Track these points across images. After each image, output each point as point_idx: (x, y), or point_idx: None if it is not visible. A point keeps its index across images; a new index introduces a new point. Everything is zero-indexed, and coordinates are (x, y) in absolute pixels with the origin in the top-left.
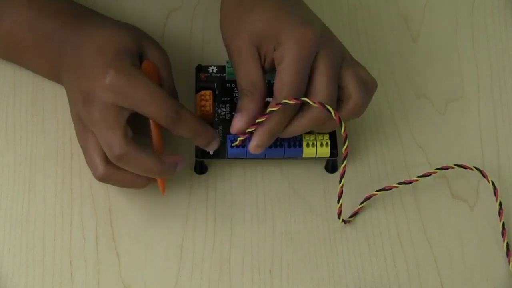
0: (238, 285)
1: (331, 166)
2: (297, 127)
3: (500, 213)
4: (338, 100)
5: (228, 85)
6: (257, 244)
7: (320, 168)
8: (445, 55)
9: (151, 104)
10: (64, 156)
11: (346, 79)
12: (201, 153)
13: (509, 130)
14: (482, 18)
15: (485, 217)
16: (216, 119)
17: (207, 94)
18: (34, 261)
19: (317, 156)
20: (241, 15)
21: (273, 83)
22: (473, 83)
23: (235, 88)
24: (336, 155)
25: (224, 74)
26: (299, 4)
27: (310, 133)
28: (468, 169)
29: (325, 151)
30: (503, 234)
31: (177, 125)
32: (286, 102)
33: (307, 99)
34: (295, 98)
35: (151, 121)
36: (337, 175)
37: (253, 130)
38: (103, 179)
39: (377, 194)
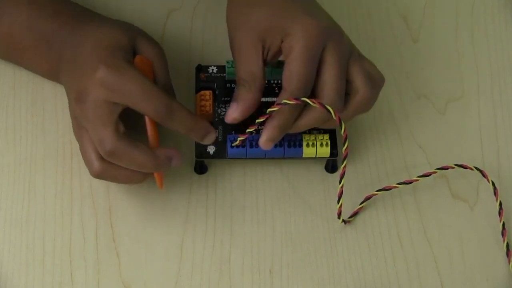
0: (238, 285)
1: (331, 166)
2: (307, 120)
3: (500, 213)
4: (346, 94)
5: (228, 85)
6: (257, 244)
7: (320, 168)
8: (445, 55)
9: (142, 99)
10: (64, 156)
11: (354, 74)
12: (201, 153)
13: (509, 130)
14: (482, 18)
15: (485, 217)
16: (216, 119)
17: (207, 94)
18: (34, 261)
19: (317, 156)
20: (248, 8)
21: (272, 83)
22: (473, 83)
23: (235, 88)
24: (336, 155)
25: (224, 74)
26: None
27: (310, 133)
28: (468, 169)
29: (325, 151)
30: (503, 234)
31: (169, 120)
32: (286, 102)
33: (307, 99)
34: (295, 98)
35: (145, 116)
36: (337, 175)
37: (253, 130)
38: (99, 175)
39: (377, 194)
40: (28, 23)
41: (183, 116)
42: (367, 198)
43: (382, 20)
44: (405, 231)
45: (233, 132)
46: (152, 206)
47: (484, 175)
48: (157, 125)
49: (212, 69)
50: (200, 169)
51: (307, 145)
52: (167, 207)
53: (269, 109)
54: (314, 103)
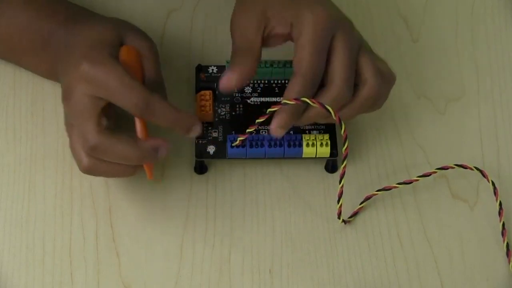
0: (238, 285)
1: (331, 166)
2: (315, 112)
3: (500, 213)
4: (355, 85)
5: None
6: (257, 244)
7: (320, 168)
8: (445, 55)
9: (120, 93)
10: (64, 156)
11: (363, 65)
12: (201, 153)
13: (509, 130)
14: (482, 18)
15: (485, 217)
16: (216, 119)
17: (207, 94)
18: (34, 261)
19: (317, 156)
20: None
21: (272, 83)
22: (473, 83)
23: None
24: (336, 155)
25: None
26: None
27: (310, 133)
28: (468, 169)
29: (325, 151)
30: (503, 234)
31: (150, 114)
32: (286, 102)
33: (307, 99)
34: (295, 99)
35: None
36: (337, 175)
37: (253, 130)
38: (87, 171)
39: (377, 194)
40: (26, 24)
41: (164, 110)
42: (367, 198)
43: (382, 20)
44: (405, 231)
45: (233, 132)
46: (152, 206)
47: (484, 175)
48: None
49: (212, 69)
50: (200, 169)
51: (307, 145)
52: (167, 207)
53: (269, 109)
54: (314, 103)
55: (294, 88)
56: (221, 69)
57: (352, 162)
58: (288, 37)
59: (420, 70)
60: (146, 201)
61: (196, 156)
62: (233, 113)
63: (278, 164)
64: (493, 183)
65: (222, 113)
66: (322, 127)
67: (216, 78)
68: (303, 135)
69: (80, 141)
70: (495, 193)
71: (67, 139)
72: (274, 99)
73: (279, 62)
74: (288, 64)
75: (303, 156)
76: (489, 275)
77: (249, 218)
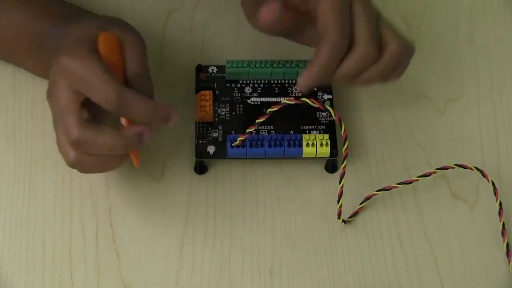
0: (238, 285)
1: (331, 166)
2: (345, 68)
3: (500, 213)
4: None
5: (228, 85)
6: (257, 244)
7: (320, 168)
8: (445, 55)
9: (92, 87)
10: None
11: (384, 30)
12: (201, 153)
13: (509, 130)
14: (482, 18)
15: (485, 217)
16: (216, 119)
17: (207, 94)
18: (34, 261)
19: (317, 156)
20: None
21: (272, 83)
22: (473, 83)
23: (235, 88)
24: (336, 155)
25: (224, 74)
26: None
27: (310, 133)
28: (468, 169)
29: (325, 151)
30: (503, 234)
31: (124, 110)
32: (285, 102)
33: (307, 100)
34: (295, 98)
35: None
36: (337, 175)
37: (253, 130)
38: (74, 165)
39: (377, 194)
40: (21, 25)
41: (138, 105)
42: (367, 198)
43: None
44: (405, 231)
45: (233, 132)
46: (152, 206)
47: (484, 175)
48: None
49: (212, 69)
50: (200, 169)
51: (307, 145)
52: (167, 207)
53: (269, 109)
54: (314, 103)
55: (321, 53)
56: (221, 69)
57: (352, 162)
58: (304, 8)
59: (420, 70)
60: (146, 201)
61: (196, 156)
62: (233, 113)
63: (278, 164)
64: (493, 183)
65: (222, 113)
66: (322, 127)
67: (216, 78)
68: (303, 135)
69: (64, 136)
70: (495, 193)
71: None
72: (274, 99)
73: (279, 62)
74: (288, 64)
75: (303, 156)
76: (489, 275)
77: (249, 218)
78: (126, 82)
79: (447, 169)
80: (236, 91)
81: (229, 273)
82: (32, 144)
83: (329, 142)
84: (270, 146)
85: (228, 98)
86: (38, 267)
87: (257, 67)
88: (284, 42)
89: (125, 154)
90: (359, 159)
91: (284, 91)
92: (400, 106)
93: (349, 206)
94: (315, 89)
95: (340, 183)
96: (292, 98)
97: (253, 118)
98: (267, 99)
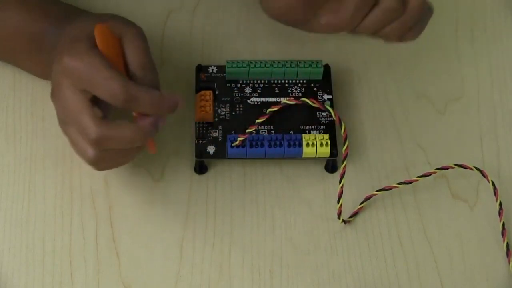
0: (238, 285)
1: (331, 166)
2: (370, 20)
3: (500, 213)
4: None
5: (228, 85)
6: (257, 244)
7: (320, 168)
8: (445, 55)
9: (98, 84)
10: (64, 156)
11: None
12: (201, 153)
13: (509, 130)
14: (482, 18)
15: (485, 217)
16: (216, 119)
17: (207, 94)
18: (34, 261)
19: (317, 156)
20: None
21: (272, 83)
22: (473, 83)
23: (235, 88)
24: (336, 155)
25: (224, 74)
26: None
27: (310, 133)
28: (468, 169)
29: (325, 151)
30: (503, 234)
31: (132, 104)
32: (286, 102)
33: (307, 100)
34: (295, 98)
35: None
36: (337, 175)
37: (253, 130)
38: (95, 163)
39: (377, 194)
40: (20, 26)
41: (145, 98)
42: (367, 198)
43: None
44: (405, 231)
45: (233, 132)
46: (152, 206)
47: (484, 175)
48: None
49: (212, 69)
50: (200, 169)
51: (307, 145)
52: (167, 207)
53: (269, 109)
54: (314, 103)
55: (347, 6)
56: (221, 69)
57: (352, 162)
58: None
59: (420, 70)
60: (146, 201)
61: (196, 156)
62: (233, 113)
63: (278, 164)
64: (493, 183)
65: (222, 113)
66: (322, 127)
67: (216, 78)
68: (303, 135)
69: (81, 136)
70: (495, 193)
71: (67, 139)
72: (274, 99)
73: (279, 62)
74: (288, 64)
75: (303, 156)
76: (489, 275)
77: (249, 218)
78: (129, 75)
79: (447, 169)
80: (236, 91)
81: (229, 273)
82: (32, 144)
83: (329, 142)
84: (270, 146)
85: (228, 98)
86: (38, 267)
87: (257, 67)
88: (284, 42)
89: (140, 146)
90: (359, 159)
91: (284, 91)
92: (400, 106)
93: (349, 206)
94: (315, 89)
95: (340, 183)
96: (292, 98)
97: (253, 118)
98: (267, 99)
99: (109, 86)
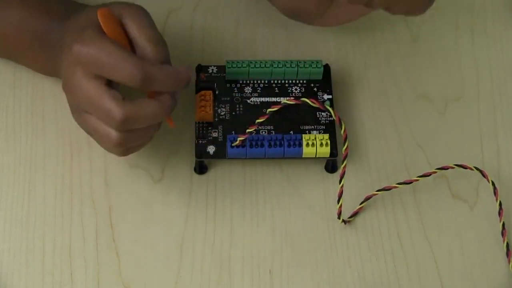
0: (238, 285)
1: (331, 166)
2: None
3: (500, 213)
4: None
5: (228, 85)
6: (257, 244)
7: (320, 168)
8: (445, 55)
9: (113, 67)
10: (64, 156)
11: None
12: (201, 153)
13: (509, 130)
14: (482, 18)
15: (485, 217)
16: (216, 119)
17: (207, 94)
18: (34, 261)
19: (317, 156)
20: None
21: (272, 83)
22: (473, 83)
23: (235, 88)
24: (336, 155)
25: (224, 74)
26: None
27: (309, 133)
28: (468, 169)
29: (325, 151)
30: (503, 234)
31: (150, 83)
32: (286, 102)
33: (307, 100)
34: (295, 98)
35: None
36: (337, 175)
37: (253, 130)
38: (121, 143)
39: (377, 194)
40: (20, 23)
41: (161, 74)
42: (367, 198)
43: (382, 20)
44: (405, 231)
45: (233, 132)
46: (152, 206)
47: (484, 175)
48: None
49: (212, 69)
50: (200, 169)
51: (307, 145)
52: (167, 207)
53: (269, 109)
54: (314, 103)
55: None
56: (221, 69)
57: (352, 162)
58: None
59: (420, 70)
60: (146, 201)
61: (196, 156)
62: (233, 113)
63: (278, 164)
64: (493, 183)
65: (222, 113)
66: (322, 127)
67: (216, 78)
68: (303, 135)
69: (104, 121)
70: (495, 193)
71: (67, 139)
72: (274, 99)
73: (279, 62)
74: (288, 64)
75: (303, 156)
76: (489, 275)
77: (249, 218)
78: (139, 54)
79: (447, 169)
80: (236, 91)
81: (229, 273)
82: (32, 144)
83: (329, 142)
84: (270, 146)
85: (228, 98)
86: (38, 267)
87: (257, 67)
88: (284, 42)
89: (160, 122)
90: (359, 159)
91: (284, 91)
92: (400, 106)
93: (349, 206)
94: (315, 89)
95: (340, 183)
96: (292, 98)
97: (253, 118)
98: (267, 99)
99: (125, 67)
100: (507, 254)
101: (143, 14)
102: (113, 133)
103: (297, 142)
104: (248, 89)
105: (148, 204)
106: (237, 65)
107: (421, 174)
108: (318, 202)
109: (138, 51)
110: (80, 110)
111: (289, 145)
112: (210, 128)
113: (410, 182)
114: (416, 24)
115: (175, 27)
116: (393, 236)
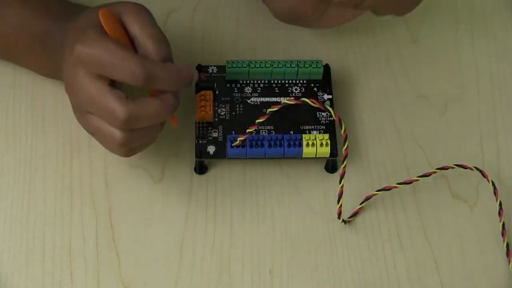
0: (238, 285)
1: (331, 166)
2: None
3: (500, 213)
4: None
5: (228, 85)
6: (257, 244)
7: (320, 168)
8: (445, 55)
9: (116, 67)
10: (64, 156)
11: None
12: (201, 153)
13: (509, 130)
14: (482, 18)
15: (485, 217)
16: (216, 119)
17: (207, 94)
18: (34, 261)
19: (317, 156)
20: None
21: (272, 83)
22: (473, 83)
23: (235, 88)
24: (336, 155)
25: (224, 74)
26: None
27: (309, 133)
28: (468, 169)
29: (325, 151)
30: (503, 234)
31: (152, 82)
32: (286, 102)
33: (307, 100)
34: (295, 98)
35: None
36: (337, 175)
37: (253, 130)
38: (124, 143)
39: (377, 194)
40: (21, 24)
41: (164, 73)
42: (367, 198)
43: (382, 20)
44: (405, 231)
45: (233, 132)
46: (152, 206)
47: (484, 175)
48: None
49: (212, 69)
50: (200, 169)
51: (307, 145)
52: (167, 207)
53: (269, 109)
54: (314, 103)
55: None
56: (221, 69)
57: (352, 162)
58: None
59: (420, 70)
60: (146, 201)
61: (196, 156)
62: (233, 113)
63: (278, 164)
64: (493, 183)
65: (222, 113)
66: (322, 127)
67: (216, 78)
68: (303, 135)
69: (107, 121)
70: (495, 193)
71: (67, 139)
72: (274, 99)
73: (279, 62)
74: (288, 64)
75: (303, 156)
76: (489, 275)
77: (249, 218)
78: (141, 53)
79: (447, 169)
80: (236, 91)
81: (229, 273)
82: (32, 144)
83: (329, 142)
84: (270, 146)
85: (228, 98)
86: (38, 267)
87: (257, 67)
88: (284, 42)
89: (163, 121)
90: (359, 159)
91: (284, 91)
92: (400, 106)
93: (349, 206)
94: (315, 89)
95: (340, 183)
96: (292, 98)
97: (253, 118)
98: (267, 99)
99: (127, 67)
100: (507, 254)
101: (144, 12)
102: (116, 133)
103: (297, 142)
104: (248, 89)
105: (148, 204)
106: (237, 65)
107: (421, 174)
108: (318, 202)
109: (140, 50)
110: (82, 111)
111: (289, 145)
112: (210, 128)
113: (410, 182)
114: (416, 24)
115: (175, 27)
116: (393, 236)
